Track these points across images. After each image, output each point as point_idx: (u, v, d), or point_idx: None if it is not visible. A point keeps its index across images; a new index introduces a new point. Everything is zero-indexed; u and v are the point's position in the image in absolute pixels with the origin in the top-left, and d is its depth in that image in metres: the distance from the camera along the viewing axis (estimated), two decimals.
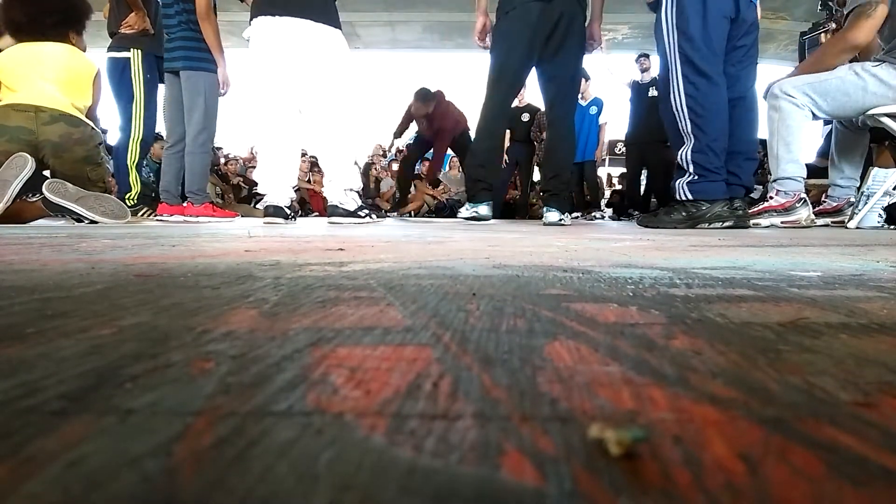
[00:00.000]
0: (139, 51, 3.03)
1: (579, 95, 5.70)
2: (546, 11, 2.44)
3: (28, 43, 2.31)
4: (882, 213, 2.54)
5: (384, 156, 8.12)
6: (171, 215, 2.93)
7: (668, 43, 2.18)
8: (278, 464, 0.14)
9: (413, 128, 5.14)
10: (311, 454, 0.14)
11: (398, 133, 5.23)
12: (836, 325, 0.31)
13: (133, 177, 3.09)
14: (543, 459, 0.14)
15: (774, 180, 2.36)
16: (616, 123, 6.25)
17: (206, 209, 2.99)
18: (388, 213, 5.97)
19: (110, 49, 3.09)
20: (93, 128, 2.35)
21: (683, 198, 2.21)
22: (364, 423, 0.17)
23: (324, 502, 0.12)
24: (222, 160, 7.12)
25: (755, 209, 2.37)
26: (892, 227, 2.50)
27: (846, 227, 2.51)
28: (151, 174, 4.51)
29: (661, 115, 2.33)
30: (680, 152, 2.23)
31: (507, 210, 6.30)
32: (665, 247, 0.98)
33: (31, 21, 2.31)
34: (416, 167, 5.92)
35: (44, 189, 2.01)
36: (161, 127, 3.37)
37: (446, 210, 6.03)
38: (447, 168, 7.38)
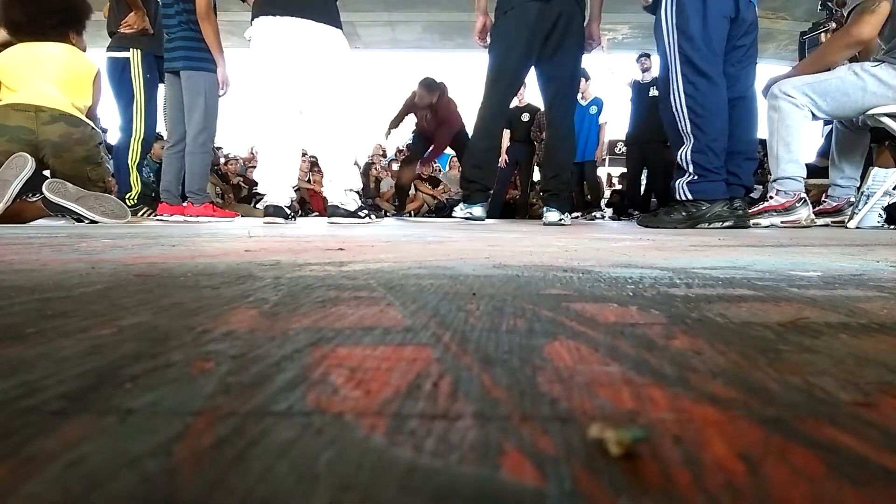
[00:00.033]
0: (139, 50, 3.03)
1: (579, 95, 5.71)
2: (544, 11, 2.44)
3: (28, 43, 2.31)
4: (882, 212, 2.54)
5: (384, 156, 8.12)
6: (171, 215, 2.93)
7: (668, 43, 2.18)
8: (278, 464, 0.14)
9: (410, 127, 5.05)
10: (311, 454, 0.14)
11: (394, 123, 5.04)
12: (836, 324, 0.31)
13: (134, 177, 3.09)
14: (543, 459, 0.14)
15: (774, 180, 2.36)
16: (616, 123, 6.26)
17: (206, 209, 2.99)
18: (390, 214, 5.97)
19: (110, 49, 3.09)
20: (93, 127, 2.35)
21: (683, 198, 2.21)
22: (364, 423, 0.17)
23: (324, 502, 0.12)
24: (222, 160, 7.12)
25: (755, 209, 2.37)
26: (892, 226, 2.50)
27: (846, 227, 2.51)
28: (151, 174, 4.51)
29: (660, 115, 2.33)
30: (680, 152, 2.23)
31: (507, 210, 6.30)
32: (665, 247, 0.98)
33: (31, 21, 2.31)
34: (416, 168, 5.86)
35: (44, 189, 2.01)
36: (161, 127, 3.37)
37: (446, 210, 6.03)
38: (447, 168, 7.38)
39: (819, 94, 2.27)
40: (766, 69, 2.55)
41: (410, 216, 5.49)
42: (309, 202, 7.12)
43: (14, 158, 2.03)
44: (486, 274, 0.53)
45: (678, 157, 2.24)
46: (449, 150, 5.92)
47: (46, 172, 2.21)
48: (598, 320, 0.32)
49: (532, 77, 2.74)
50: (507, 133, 5.87)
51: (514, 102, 5.74)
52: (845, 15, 2.50)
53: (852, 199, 2.70)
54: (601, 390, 0.20)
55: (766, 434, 0.16)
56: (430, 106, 4.58)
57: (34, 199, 2.05)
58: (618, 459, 0.14)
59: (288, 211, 2.49)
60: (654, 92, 4.78)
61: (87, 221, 2.07)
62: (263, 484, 0.13)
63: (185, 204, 2.99)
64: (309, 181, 7.10)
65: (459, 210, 2.69)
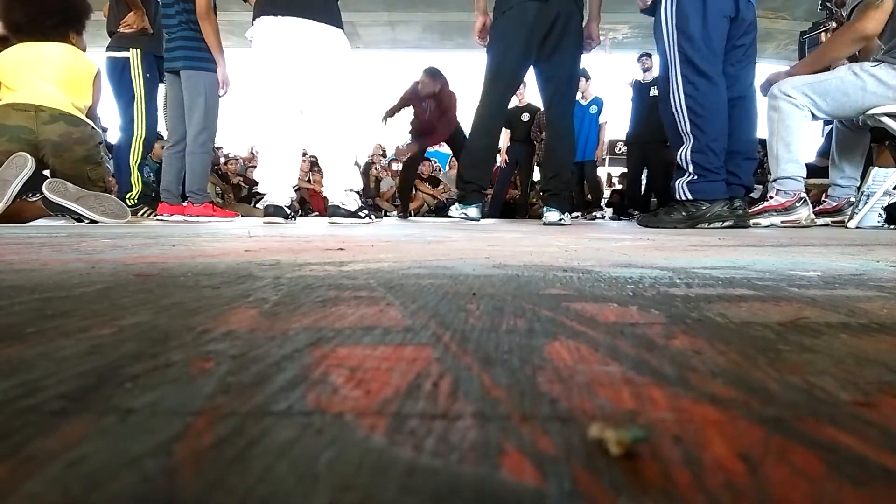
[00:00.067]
0: (138, 50, 3.03)
1: (579, 95, 5.71)
2: (542, 11, 2.45)
3: (28, 43, 2.31)
4: (882, 212, 2.54)
5: (384, 155, 8.12)
6: (172, 215, 2.93)
7: (668, 43, 2.18)
8: (278, 464, 0.14)
9: (408, 126, 4.97)
10: (311, 454, 0.14)
11: (391, 112, 4.84)
12: (836, 324, 0.31)
13: (135, 176, 3.10)
14: (543, 459, 0.14)
15: (774, 180, 2.37)
16: (616, 123, 6.26)
17: (206, 209, 2.99)
18: (392, 215, 5.96)
19: (109, 48, 3.09)
20: (93, 127, 2.35)
21: (683, 198, 2.21)
22: (364, 422, 0.17)
23: (324, 502, 0.12)
24: (222, 160, 7.12)
25: (755, 209, 2.37)
26: (892, 226, 2.50)
27: (846, 227, 2.51)
28: (151, 174, 4.51)
29: (660, 115, 2.33)
30: (679, 152, 2.23)
31: (507, 210, 6.30)
32: (665, 246, 0.98)
33: (31, 21, 2.31)
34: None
35: (44, 188, 2.01)
36: (162, 127, 3.37)
37: (446, 210, 6.02)
38: (447, 168, 7.38)
39: (819, 95, 2.27)
40: (765, 69, 2.55)
41: (411, 216, 5.48)
42: (309, 202, 7.12)
43: (14, 158, 2.03)
44: (486, 274, 0.53)
45: (678, 156, 2.24)
46: (448, 150, 5.91)
47: (46, 172, 2.21)
48: (598, 320, 0.32)
49: (532, 77, 2.74)
50: (507, 133, 5.87)
51: (514, 102, 5.74)
52: (847, 12, 2.49)
53: (852, 199, 2.70)
54: (601, 390, 0.20)
55: (766, 434, 0.16)
56: (434, 95, 4.47)
57: (34, 198, 2.05)
58: (618, 459, 0.14)
59: (288, 211, 2.49)
60: (654, 92, 4.76)
61: (87, 221, 2.07)
62: (263, 484, 0.13)
63: (185, 204, 2.99)
64: (309, 181, 7.10)
65: (455, 210, 2.70)
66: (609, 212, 6.47)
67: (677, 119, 2.19)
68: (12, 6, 2.33)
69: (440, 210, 6.47)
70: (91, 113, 2.44)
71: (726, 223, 2.18)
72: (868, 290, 0.46)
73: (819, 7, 3.60)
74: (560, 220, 2.60)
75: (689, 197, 2.19)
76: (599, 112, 5.74)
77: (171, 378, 0.21)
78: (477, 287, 0.44)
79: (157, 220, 2.93)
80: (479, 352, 0.25)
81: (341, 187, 2.49)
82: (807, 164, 2.49)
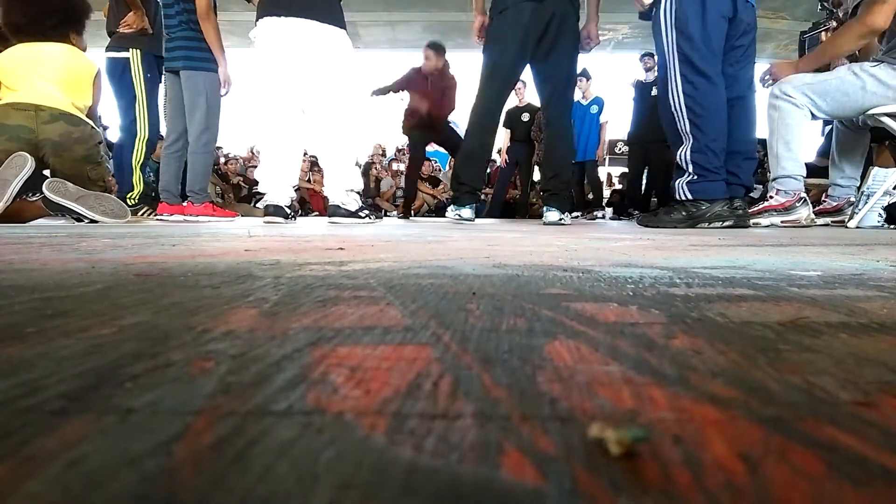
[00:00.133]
0: (138, 50, 3.03)
1: (580, 94, 5.71)
2: (538, 11, 2.46)
3: (28, 43, 2.31)
4: (882, 212, 2.54)
5: (384, 155, 8.12)
6: (172, 215, 2.93)
7: (667, 43, 2.18)
8: (278, 463, 0.14)
9: (398, 120, 4.87)
10: (311, 454, 0.14)
11: (383, 91, 4.59)
12: (836, 324, 0.31)
13: (137, 176, 3.10)
14: (543, 459, 0.14)
15: (774, 179, 2.37)
16: (616, 123, 6.26)
17: (207, 209, 2.99)
18: (392, 215, 5.94)
19: (109, 49, 3.09)
20: (93, 127, 2.35)
21: (683, 197, 2.21)
22: (364, 422, 0.17)
23: (324, 502, 0.12)
24: (222, 160, 7.13)
25: (755, 209, 2.37)
26: (892, 226, 2.50)
27: (846, 227, 2.51)
28: (152, 174, 4.51)
29: (659, 115, 2.33)
30: (679, 152, 2.23)
31: (507, 210, 6.30)
32: (665, 246, 0.98)
33: (31, 22, 2.31)
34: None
35: (44, 188, 2.01)
36: (163, 126, 3.37)
37: (446, 210, 6.01)
38: (447, 168, 7.38)
39: (819, 95, 2.27)
40: (765, 69, 2.54)
41: (412, 216, 5.48)
42: (309, 202, 7.12)
43: (14, 158, 2.03)
44: (486, 273, 0.53)
45: (677, 156, 2.24)
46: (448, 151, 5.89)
47: (46, 172, 2.21)
48: (598, 320, 0.32)
49: (531, 77, 2.74)
50: (507, 133, 5.87)
51: (514, 102, 5.74)
52: (848, 10, 2.49)
53: (852, 199, 2.70)
54: (601, 390, 0.20)
55: (766, 434, 0.16)
56: (438, 71, 4.37)
57: (34, 198, 2.05)
58: (618, 459, 0.14)
59: (288, 210, 2.49)
60: (656, 91, 4.76)
61: (87, 221, 2.07)
62: (263, 483, 0.13)
63: (185, 203, 2.99)
64: (309, 181, 7.11)
65: (450, 212, 2.71)
66: (609, 211, 6.47)
67: (677, 119, 2.19)
68: (12, 7, 2.33)
69: (440, 210, 6.47)
70: (91, 113, 2.44)
71: (726, 223, 2.19)
72: (868, 290, 0.46)
73: (819, 7, 3.60)
74: (560, 219, 2.61)
75: (689, 197, 2.19)
76: (600, 112, 5.74)
77: (171, 378, 0.21)
78: (477, 287, 0.44)
79: (157, 219, 2.94)
80: (479, 351, 0.25)
81: (342, 187, 2.49)
82: (807, 164, 2.49)
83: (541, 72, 2.64)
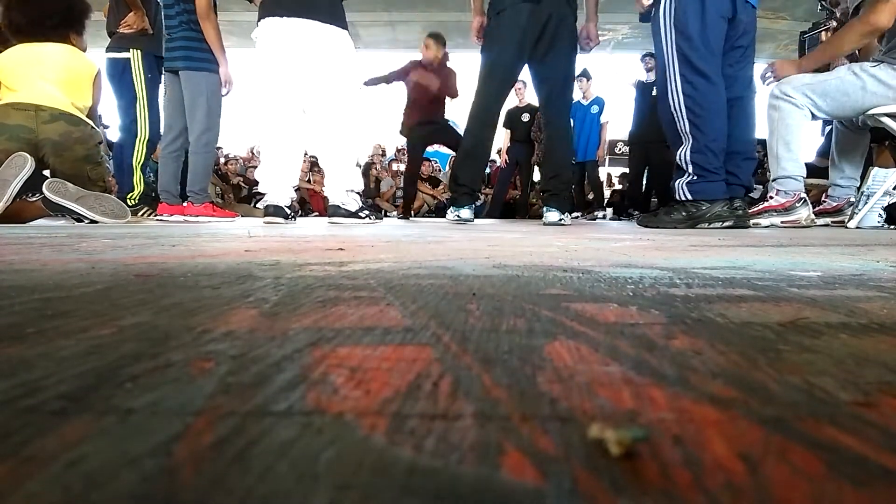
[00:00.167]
0: (139, 51, 3.03)
1: (581, 95, 5.71)
2: (534, 13, 2.46)
3: (28, 43, 2.31)
4: (882, 212, 2.54)
5: (384, 155, 8.12)
6: (171, 215, 2.93)
7: (666, 43, 2.18)
8: (278, 463, 0.14)
9: (397, 117, 4.81)
10: (311, 454, 0.14)
11: (374, 81, 4.47)
12: (836, 324, 0.31)
13: (137, 177, 3.10)
14: (543, 459, 0.14)
15: (774, 179, 2.37)
16: (615, 123, 6.26)
17: (207, 209, 2.99)
18: (393, 215, 5.92)
19: (109, 49, 3.09)
20: (93, 127, 2.35)
21: (683, 198, 2.21)
22: (364, 422, 0.17)
23: (324, 502, 0.12)
24: (222, 160, 7.13)
25: (755, 209, 2.37)
26: (892, 226, 2.50)
27: (846, 227, 2.51)
28: (152, 174, 4.51)
29: (658, 115, 2.33)
30: (679, 152, 2.23)
31: (507, 210, 6.30)
32: (665, 247, 0.98)
33: (31, 23, 2.31)
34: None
35: (44, 188, 2.01)
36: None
37: (446, 209, 6.01)
38: (447, 168, 7.38)
39: (819, 95, 2.27)
40: (764, 68, 2.54)
41: (412, 216, 5.47)
42: (309, 202, 7.12)
43: (14, 158, 2.03)
44: (486, 274, 0.53)
45: (677, 157, 2.24)
46: (449, 151, 5.88)
47: (46, 172, 2.22)
48: (598, 320, 0.32)
49: (530, 78, 2.75)
50: (507, 133, 5.87)
51: (514, 102, 5.75)
52: (849, 10, 2.49)
53: (852, 199, 2.70)
54: (601, 390, 0.20)
55: (766, 434, 0.16)
56: (436, 61, 4.33)
57: (34, 198, 2.06)
58: (618, 459, 0.14)
59: (288, 211, 2.49)
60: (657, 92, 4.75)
61: (87, 221, 2.07)
62: (263, 483, 0.13)
63: (185, 204, 2.99)
64: (309, 181, 7.11)
65: (449, 213, 2.73)
66: (609, 212, 6.47)
67: (676, 119, 2.19)
68: (12, 7, 2.33)
69: (440, 210, 6.47)
70: (91, 113, 2.44)
71: (726, 223, 2.18)
72: (868, 290, 0.46)
73: (819, 7, 3.60)
74: (560, 220, 2.61)
75: (689, 197, 2.19)
76: (601, 112, 5.74)
77: (171, 378, 0.21)
78: (477, 287, 0.44)
79: (157, 220, 2.94)
80: (479, 352, 0.25)
81: (343, 188, 2.49)
82: (807, 164, 2.49)
83: (539, 73, 2.65)
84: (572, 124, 5.40)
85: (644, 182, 5.62)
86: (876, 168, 2.60)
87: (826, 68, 2.47)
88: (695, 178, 2.18)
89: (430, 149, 5.53)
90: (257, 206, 5.44)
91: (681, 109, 2.16)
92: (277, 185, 2.47)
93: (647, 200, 5.62)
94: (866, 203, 2.49)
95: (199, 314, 0.32)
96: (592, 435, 0.15)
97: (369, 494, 0.12)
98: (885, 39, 2.27)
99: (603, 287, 0.46)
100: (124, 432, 0.16)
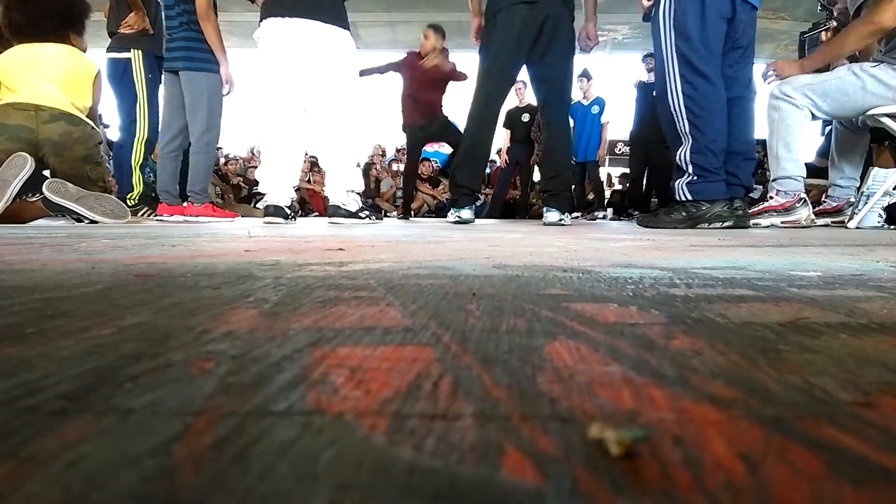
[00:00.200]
0: (140, 51, 3.03)
1: (581, 95, 5.71)
2: (531, 14, 2.47)
3: (28, 44, 2.31)
4: (882, 213, 2.54)
5: (384, 155, 8.12)
6: (171, 215, 2.94)
7: (665, 43, 2.18)
8: (278, 463, 0.14)
9: (396, 126, 4.79)
10: (311, 454, 0.14)
11: (367, 71, 4.40)
12: (836, 325, 0.31)
13: (136, 177, 3.10)
14: (543, 459, 0.14)
15: (774, 180, 2.37)
16: (616, 123, 6.26)
17: (207, 209, 2.99)
18: (392, 215, 5.91)
19: (110, 49, 3.09)
20: (93, 127, 2.35)
21: (683, 198, 2.21)
22: (364, 422, 0.17)
23: (324, 502, 0.12)
24: (222, 160, 7.13)
25: (755, 209, 2.37)
26: (892, 227, 2.50)
27: (846, 227, 2.51)
28: (152, 174, 4.52)
29: (658, 115, 2.33)
30: (678, 153, 2.23)
31: (507, 210, 6.30)
32: (665, 247, 0.98)
33: (31, 23, 2.31)
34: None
35: (44, 188, 2.01)
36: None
37: (446, 210, 6.00)
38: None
39: (819, 95, 2.27)
40: (764, 69, 2.54)
41: (412, 216, 5.47)
42: (309, 202, 7.12)
43: (14, 158, 2.03)
44: (486, 274, 0.53)
45: (677, 157, 2.24)
46: (449, 150, 5.87)
47: (46, 172, 2.22)
48: (598, 320, 0.32)
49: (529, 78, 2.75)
50: (507, 133, 5.87)
51: (515, 102, 5.75)
52: (850, 10, 2.48)
53: (852, 200, 2.70)
54: (601, 390, 0.20)
55: (766, 434, 0.16)
56: (434, 52, 4.30)
57: (34, 198, 2.06)
58: (618, 459, 0.14)
59: (288, 211, 2.49)
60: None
61: (87, 221, 2.07)
62: (263, 483, 0.13)
63: (185, 204, 2.99)
64: (309, 181, 7.11)
65: (450, 214, 2.74)
66: (610, 212, 6.47)
67: (676, 120, 2.19)
68: (12, 8, 2.33)
69: (440, 210, 6.47)
70: (92, 113, 2.44)
71: (726, 223, 2.18)
72: (868, 290, 0.46)
73: (819, 7, 3.60)
74: (560, 220, 2.61)
75: (689, 197, 2.19)
76: (601, 112, 5.74)
77: (171, 378, 0.21)
78: (477, 287, 0.44)
79: (157, 220, 2.94)
80: (479, 352, 0.25)
81: (343, 188, 2.49)
82: (806, 165, 2.49)
83: (537, 74, 2.66)
84: (573, 124, 5.40)
85: (644, 182, 5.62)
86: (876, 168, 2.60)
87: (826, 68, 2.47)
88: (695, 178, 2.18)
89: (429, 148, 5.52)
90: (257, 206, 5.44)
91: (680, 110, 2.16)
92: (277, 186, 2.47)
93: (647, 200, 5.62)
94: (866, 203, 2.49)
95: (199, 314, 0.32)
96: (592, 435, 0.15)
97: (369, 494, 0.12)
98: (885, 40, 2.27)
99: (603, 287, 0.46)
100: (124, 432, 0.16)
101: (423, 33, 4.38)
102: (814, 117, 2.34)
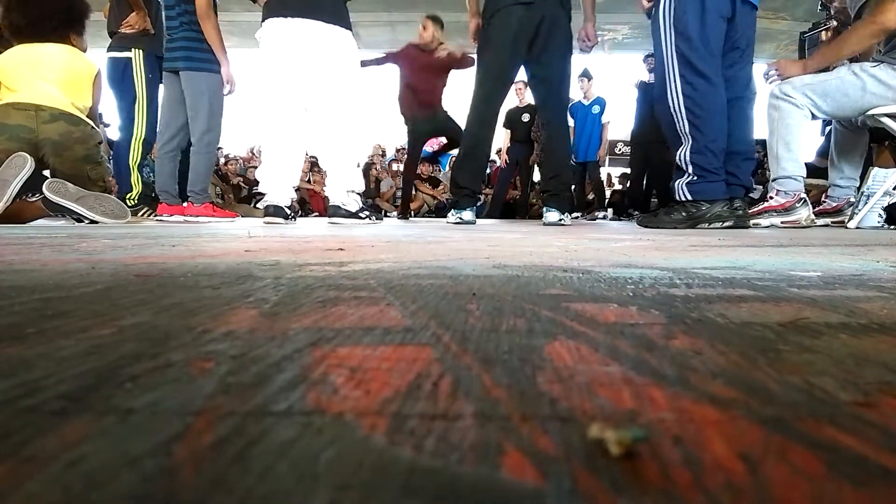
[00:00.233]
0: (140, 51, 3.03)
1: (582, 95, 5.71)
2: (527, 15, 2.48)
3: (28, 44, 2.31)
4: (882, 213, 2.54)
5: (384, 155, 8.13)
6: (171, 215, 2.93)
7: (665, 43, 2.18)
8: (278, 463, 0.14)
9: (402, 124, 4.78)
10: (311, 454, 0.14)
11: (364, 64, 4.24)
12: (836, 325, 0.31)
13: (135, 177, 3.10)
14: (543, 459, 0.14)
15: (774, 179, 2.37)
16: (616, 123, 6.26)
17: (207, 209, 2.99)
18: (392, 216, 5.91)
19: (110, 49, 3.09)
20: (93, 127, 2.35)
21: (683, 198, 2.21)
22: (364, 422, 0.17)
23: (324, 502, 0.12)
24: (222, 160, 7.13)
25: (755, 209, 2.37)
26: (892, 227, 2.50)
27: (846, 227, 2.51)
28: (152, 174, 4.52)
29: (657, 116, 2.32)
30: (678, 153, 2.22)
31: (507, 210, 6.30)
32: (665, 247, 0.98)
33: (31, 24, 2.31)
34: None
35: (44, 188, 2.01)
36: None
37: (446, 210, 6.00)
38: (447, 168, 7.38)
39: (819, 95, 2.27)
40: (763, 69, 2.54)
41: (412, 216, 5.46)
42: (309, 202, 7.12)
43: (14, 158, 2.03)
44: (486, 274, 0.53)
45: (677, 157, 2.24)
46: (451, 151, 5.87)
47: (46, 172, 2.22)
48: (598, 320, 0.32)
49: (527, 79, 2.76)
50: (507, 133, 5.87)
51: (515, 103, 5.74)
52: (851, 10, 2.48)
53: (852, 200, 2.70)
54: (601, 390, 0.20)
55: (766, 434, 0.16)
56: (433, 42, 4.28)
57: (34, 198, 2.05)
58: (618, 459, 0.14)
59: (288, 211, 2.49)
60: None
61: (87, 221, 2.07)
62: (263, 483, 0.13)
63: (185, 204, 2.99)
64: (309, 181, 7.11)
65: (451, 216, 2.74)
66: (610, 212, 6.47)
67: (676, 120, 2.19)
68: (12, 8, 2.33)
69: (440, 210, 6.47)
70: (92, 113, 2.44)
71: (726, 224, 2.18)
72: (868, 290, 0.46)
73: (819, 7, 3.60)
74: (560, 220, 2.61)
75: (689, 197, 2.19)
76: (602, 112, 5.74)
77: (171, 378, 0.21)
78: (477, 287, 0.44)
79: (157, 220, 2.94)
80: (479, 352, 0.25)
81: (343, 188, 2.49)
82: (806, 164, 2.49)
83: (535, 74, 2.67)
84: (573, 124, 5.39)
85: (644, 182, 5.62)
86: (876, 168, 2.60)
87: (827, 68, 2.47)
88: (695, 178, 2.18)
89: (430, 148, 5.51)
90: (257, 206, 5.44)
91: (680, 110, 2.16)
92: (278, 186, 2.47)
93: (647, 200, 5.62)
94: (866, 203, 2.49)
95: (199, 314, 0.32)
96: (592, 435, 0.15)
97: (369, 494, 0.12)
98: (884, 40, 2.27)
99: (603, 287, 0.46)
100: (124, 432, 0.16)
101: (422, 24, 4.33)
102: (814, 117, 2.34)
